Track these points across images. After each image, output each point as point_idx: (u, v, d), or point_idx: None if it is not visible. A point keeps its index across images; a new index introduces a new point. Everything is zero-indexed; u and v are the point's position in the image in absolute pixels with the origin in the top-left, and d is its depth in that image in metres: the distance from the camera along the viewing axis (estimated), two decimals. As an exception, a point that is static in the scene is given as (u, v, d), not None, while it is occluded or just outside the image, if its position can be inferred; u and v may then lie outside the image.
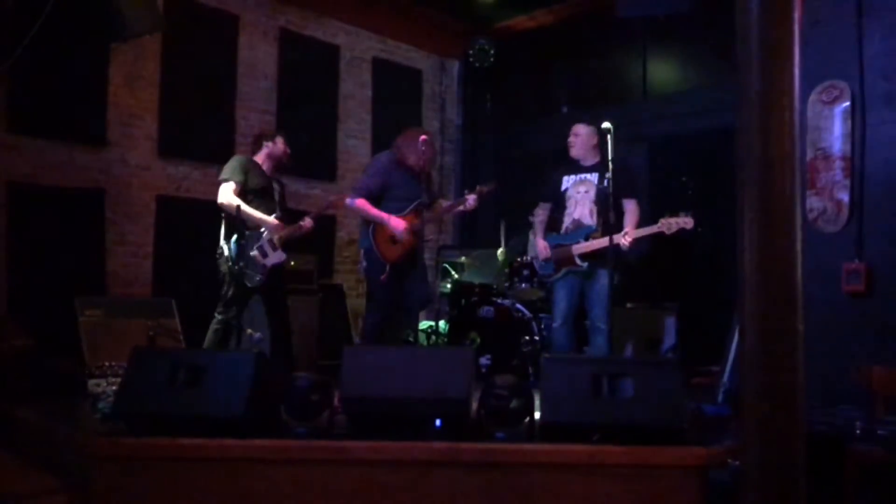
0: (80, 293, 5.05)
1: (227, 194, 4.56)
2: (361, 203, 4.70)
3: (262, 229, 4.65)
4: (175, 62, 6.07)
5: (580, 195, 4.70)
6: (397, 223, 4.58)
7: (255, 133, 5.17)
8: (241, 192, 4.60)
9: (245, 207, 4.54)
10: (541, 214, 4.92)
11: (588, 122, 4.73)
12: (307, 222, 4.89)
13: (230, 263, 4.51)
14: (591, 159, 4.73)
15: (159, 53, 6.01)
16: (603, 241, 4.39)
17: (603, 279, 4.53)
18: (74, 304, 4.94)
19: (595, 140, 4.68)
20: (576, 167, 4.78)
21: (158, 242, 5.97)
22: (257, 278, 4.62)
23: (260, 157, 4.84)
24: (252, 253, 4.61)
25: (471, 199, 4.71)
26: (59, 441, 3.34)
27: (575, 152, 4.76)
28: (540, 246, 4.81)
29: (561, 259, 4.68)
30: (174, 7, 5.92)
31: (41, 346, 4.71)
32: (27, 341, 4.70)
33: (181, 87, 6.10)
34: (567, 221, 4.74)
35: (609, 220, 4.38)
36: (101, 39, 5.51)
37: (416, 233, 4.60)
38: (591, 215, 4.62)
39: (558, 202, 4.82)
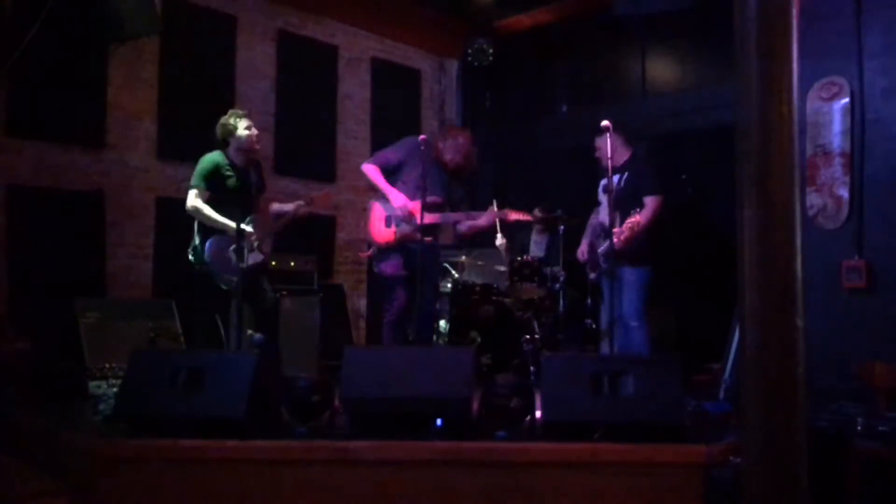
0: (81, 295, 5.04)
1: (191, 200, 4.40)
2: (372, 169, 4.63)
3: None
4: (173, 64, 6.05)
5: (605, 198, 4.73)
6: (398, 198, 4.48)
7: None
8: (213, 196, 4.42)
9: (210, 213, 4.36)
10: (592, 218, 5.09)
11: (608, 129, 4.67)
12: (292, 207, 4.61)
13: (200, 264, 4.38)
14: (617, 162, 4.69)
15: (158, 55, 6.00)
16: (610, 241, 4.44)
17: (628, 277, 4.60)
18: (74, 305, 4.93)
19: (615, 144, 4.62)
20: (607, 172, 4.78)
21: (158, 244, 5.95)
22: (233, 280, 4.30)
23: (231, 151, 4.57)
24: (228, 255, 4.37)
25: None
26: (59, 443, 3.34)
27: (603, 163, 4.73)
28: (579, 251, 5.04)
29: (593, 262, 4.79)
30: (172, 8, 5.91)
31: (41, 349, 4.70)
32: (27, 343, 4.70)
33: (180, 88, 6.09)
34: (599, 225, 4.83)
35: (625, 217, 4.42)
36: (99, 41, 5.50)
37: (419, 227, 4.39)
38: (611, 217, 4.60)
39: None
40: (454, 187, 4.84)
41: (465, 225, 4.87)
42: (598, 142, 4.77)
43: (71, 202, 5.53)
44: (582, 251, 5.00)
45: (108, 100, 5.75)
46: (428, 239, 4.54)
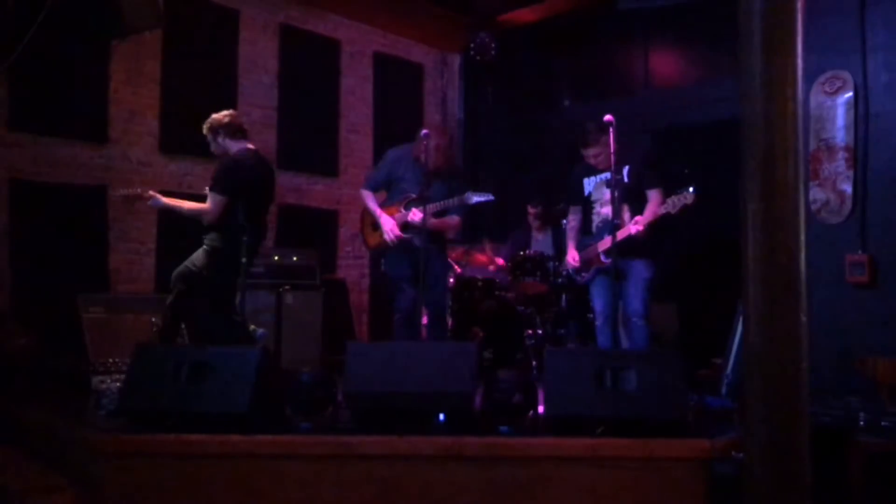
0: (83, 290, 5.04)
1: None
2: (364, 194, 4.81)
3: None
4: (176, 58, 6.05)
5: (603, 194, 4.66)
6: (386, 221, 4.59)
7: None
8: None
9: None
10: (572, 220, 4.92)
11: (592, 137, 4.61)
12: None
13: None
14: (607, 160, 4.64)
15: (160, 50, 6.00)
16: (619, 234, 4.36)
17: (634, 272, 4.48)
18: (77, 301, 4.93)
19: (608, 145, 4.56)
20: (593, 169, 4.70)
21: (161, 239, 5.96)
22: None
23: None
24: None
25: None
26: (63, 438, 3.35)
27: (602, 165, 4.65)
28: (568, 256, 4.83)
29: (590, 258, 4.69)
30: (174, 3, 5.90)
31: (45, 344, 4.72)
32: (31, 339, 4.71)
33: (182, 83, 6.09)
34: (596, 220, 4.72)
35: (632, 213, 4.38)
36: (101, 36, 5.50)
37: (405, 226, 4.53)
38: (615, 212, 4.53)
39: (584, 205, 4.79)
40: (436, 185, 4.63)
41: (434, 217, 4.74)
42: (592, 150, 4.64)
43: (74, 197, 5.54)
44: (574, 257, 4.76)
45: (110, 95, 5.76)
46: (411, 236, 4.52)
